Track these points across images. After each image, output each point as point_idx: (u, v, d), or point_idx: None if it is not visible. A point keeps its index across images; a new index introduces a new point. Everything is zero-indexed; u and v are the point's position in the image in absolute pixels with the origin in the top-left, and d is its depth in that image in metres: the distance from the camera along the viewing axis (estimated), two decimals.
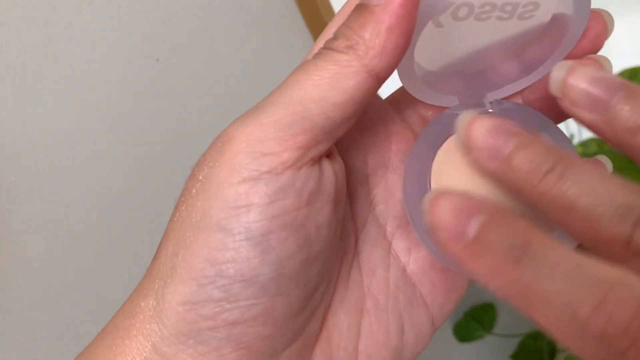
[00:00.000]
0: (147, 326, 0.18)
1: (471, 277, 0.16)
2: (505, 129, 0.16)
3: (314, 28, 0.53)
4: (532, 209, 0.17)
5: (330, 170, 0.19)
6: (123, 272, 0.45)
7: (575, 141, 0.66)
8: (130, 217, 0.45)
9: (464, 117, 0.17)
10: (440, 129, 0.22)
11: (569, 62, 0.17)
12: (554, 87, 0.17)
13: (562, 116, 0.22)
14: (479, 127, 0.16)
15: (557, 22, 0.21)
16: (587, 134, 0.63)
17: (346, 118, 0.18)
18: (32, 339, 0.41)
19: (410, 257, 0.22)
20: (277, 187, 0.17)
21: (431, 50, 0.21)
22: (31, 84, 0.40)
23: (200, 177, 0.18)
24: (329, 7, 0.53)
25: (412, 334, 0.22)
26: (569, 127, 0.68)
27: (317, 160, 0.19)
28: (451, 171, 0.22)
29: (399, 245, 0.22)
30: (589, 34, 0.21)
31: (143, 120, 0.45)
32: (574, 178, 0.15)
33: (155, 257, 0.19)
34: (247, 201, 0.17)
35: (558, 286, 0.14)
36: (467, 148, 0.17)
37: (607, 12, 0.21)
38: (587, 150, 0.54)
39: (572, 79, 0.17)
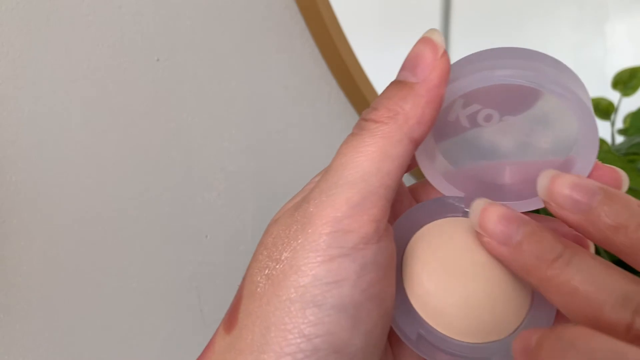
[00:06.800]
0: None
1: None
2: (516, 217, 0.19)
3: (314, 28, 0.53)
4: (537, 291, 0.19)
5: (391, 239, 0.21)
6: (124, 271, 0.45)
7: None
8: (130, 216, 0.45)
9: (478, 204, 0.20)
10: (418, 216, 0.24)
11: (553, 171, 0.20)
12: (541, 193, 0.20)
13: None
14: (492, 214, 0.20)
15: (568, 162, 0.23)
16: None
17: (397, 183, 0.20)
18: (32, 339, 0.41)
19: None
20: (363, 262, 0.19)
21: (456, 151, 0.24)
22: (31, 84, 0.40)
23: (283, 258, 0.19)
24: (329, 8, 0.53)
25: None
26: None
27: (385, 231, 0.20)
28: (421, 255, 0.22)
29: None
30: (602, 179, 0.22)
31: (143, 120, 0.45)
32: (579, 266, 0.18)
33: (238, 330, 0.20)
34: (338, 277, 0.18)
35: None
36: (479, 232, 0.20)
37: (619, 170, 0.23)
38: None
39: (555, 186, 0.19)
